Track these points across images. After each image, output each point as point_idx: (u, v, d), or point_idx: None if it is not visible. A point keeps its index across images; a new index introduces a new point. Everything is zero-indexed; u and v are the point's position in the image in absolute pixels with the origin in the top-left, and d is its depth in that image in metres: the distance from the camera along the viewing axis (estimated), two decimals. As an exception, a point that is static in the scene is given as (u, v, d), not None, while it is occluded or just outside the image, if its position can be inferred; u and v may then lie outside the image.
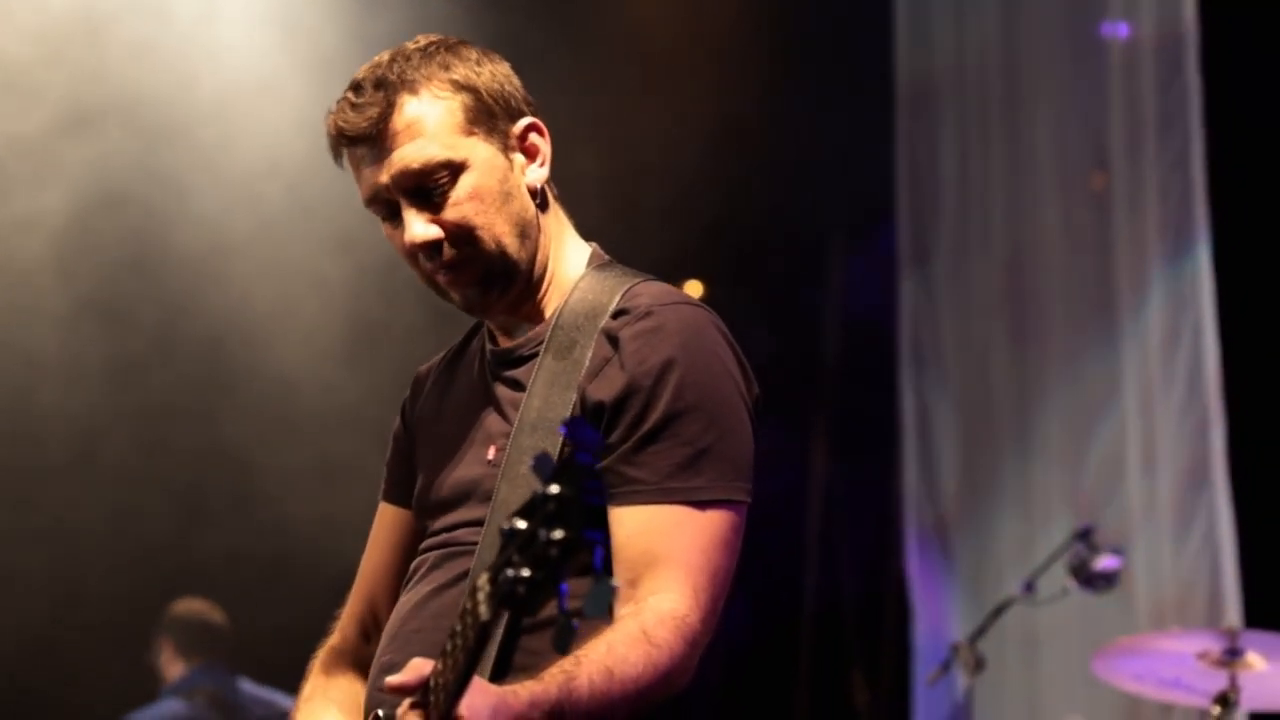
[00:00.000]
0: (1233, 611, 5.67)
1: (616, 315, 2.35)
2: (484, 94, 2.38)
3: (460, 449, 2.43)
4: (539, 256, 2.43)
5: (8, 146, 5.95)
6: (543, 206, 2.45)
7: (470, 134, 2.36)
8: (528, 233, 2.41)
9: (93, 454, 6.26)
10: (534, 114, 2.44)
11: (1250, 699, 4.45)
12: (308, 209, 6.20)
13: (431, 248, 2.36)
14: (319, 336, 6.30)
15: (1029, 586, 5.47)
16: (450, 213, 2.35)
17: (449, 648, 1.94)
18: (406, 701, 2.02)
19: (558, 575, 1.74)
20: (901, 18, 7.09)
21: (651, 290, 2.39)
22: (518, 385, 2.39)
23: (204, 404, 6.42)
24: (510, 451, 2.32)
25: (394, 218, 2.39)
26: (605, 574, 1.78)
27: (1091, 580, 5.29)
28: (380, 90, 2.34)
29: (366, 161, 2.36)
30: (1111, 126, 6.29)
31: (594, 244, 2.52)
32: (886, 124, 7.07)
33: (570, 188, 2.52)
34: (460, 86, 2.36)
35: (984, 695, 5.75)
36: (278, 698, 5.78)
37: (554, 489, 1.74)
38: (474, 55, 2.41)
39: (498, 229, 2.37)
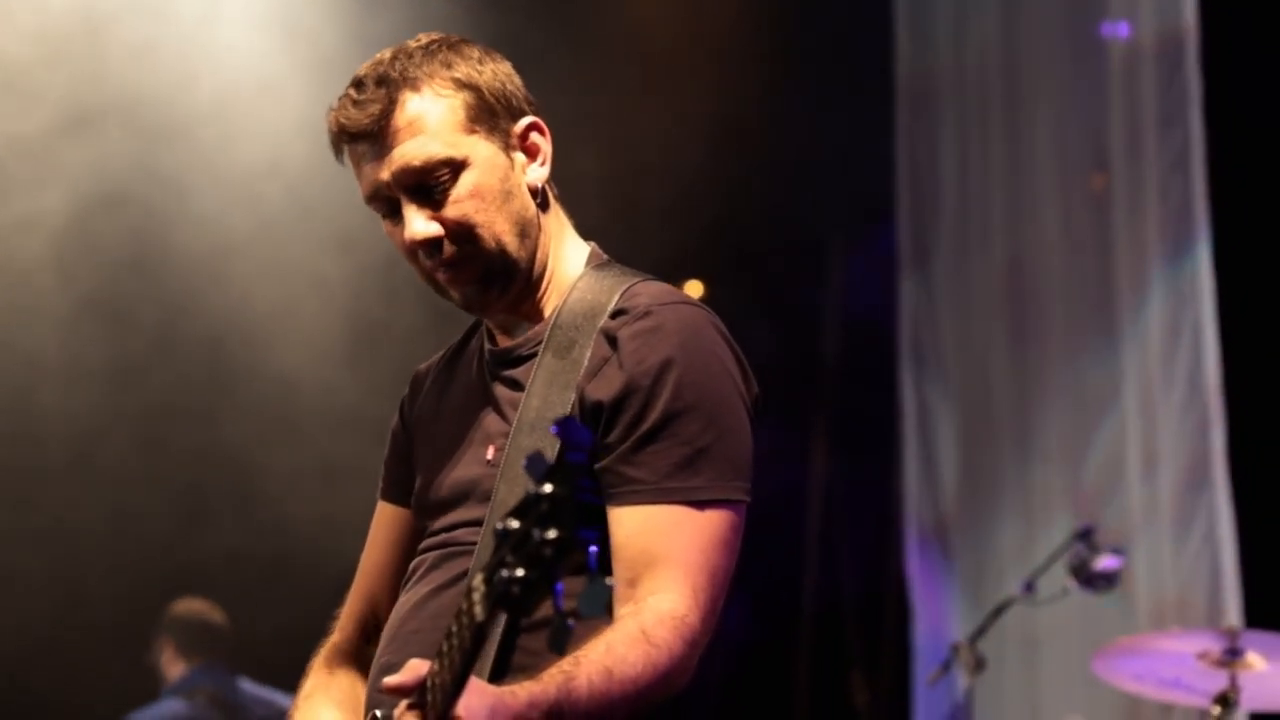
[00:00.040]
0: (1233, 611, 5.67)
1: (615, 315, 2.35)
2: (486, 92, 2.38)
3: (459, 449, 2.43)
4: (539, 255, 2.43)
5: (8, 147, 5.95)
6: (543, 206, 2.45)
7: (472, 132, 2.36)
8: (528, 231, 2.41)
9: (93, 454, 6.26)
10: (535, 113, 2.44)
11: (1250, 699, 4.44)
12: (308, 209, 6.20)
13: (431, 245, 2.36)
14: (319, 336, 6.31)
15: (1029, 586, 5.47)
16: (451, 210, 2.35)
17: (445, 648, 1.94)
18: (404, 703, 2.02)
19: (552, 575, 1.74)
20: (901, 17, 7.09)
21: (650, 290, 2.39)
22: (516, 385, 2.39)
23: (204, 404, 6.42)
24: (509, 451, 2.32)
25: (394, 215, 2.39)
26: (601, 573, 1.78)
27: (1092, 580, 5.29)
28: (382, 87, 2.34)
29: (367, 158, 2.36)
30: (1111, 126, 6.29)
31: (593, 243, 2.52)
32: (886, 124, 7.06)
33: (570, 188, 2.52)
34: (462, 84, 2.37)
35: (984, 695, 5.74)
36: (278, 697, 5.78)
37: (547, 488, 1.74)
38: (476, 54, 2.41)
39: (498, 227, 2.37)
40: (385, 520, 2.60)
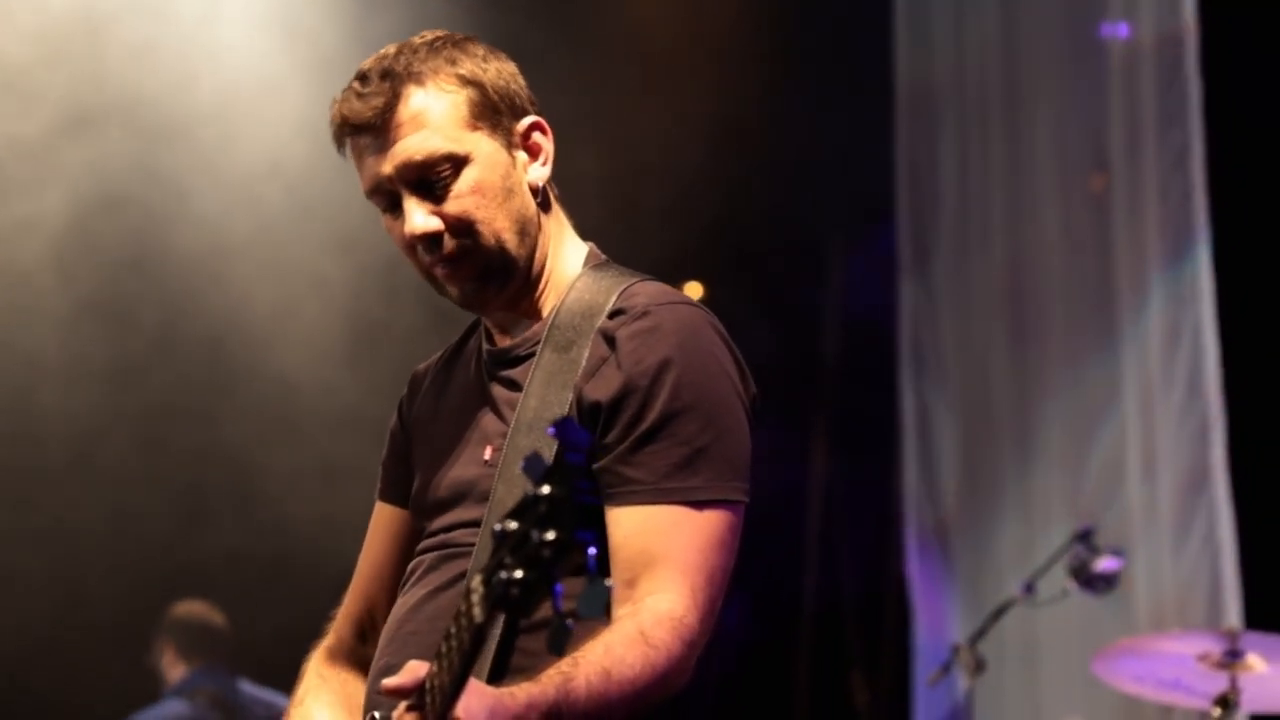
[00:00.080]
0: (1233, 613, 5.66)
1: (613, 315, 2.34)
2: (489, 90, 2.38)
3: (457, 449, 2.42)
4: (537, 254, 2.43)
5: (9, 147, 5.95)
6: (544, 206, 2.45)
7: (474, 129, 2.36)
8: (527, 230, 2.40)
9: (93, 455, 6.26)
10: (538, 114, 2.45)
11: (1250, 701, 4.44)
12: (308, 209, 6.20)
13: (431, 240, 2.36)
14: (319, 337, 6.31)
15: (1029, 588, 5.47)
16: (451, 205, 2.35)
17: (444, 649, 1.94)
18: (402, 704, 2.02)
19: (551, 576, 1.73)
20: (901, 17, 7.09)
21: (648, 290, 2.39)
22: (514, 385, 2.39)
23: (204, 404, 6.42)
24: (507, 452, 2.31)
25: (394, 209, 2.39)
26: (599, 574, 1.78)
27: (1091, 582, 5.28)
28: (386, 80, 2.35)
29: (370, 151, 2.36)
30: (1111, 127, 6.28)
31: (591, 244, 2.52)
32: (886, 124, 7.06)
33: (570, 188, 2.52)
34: (466, 81, 2.37)
35: (984, 697, 5.74)
36: (278, 699, 5.78)
37: (545, 489, 1.74)
38: (481, 51, 2.41)
39: (498, 224, 2.37)
40: (383, 521, 2.59)
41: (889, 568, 6.95)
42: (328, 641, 2.57)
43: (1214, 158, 5.92)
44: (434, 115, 2.34)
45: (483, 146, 2.37)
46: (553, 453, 1.76)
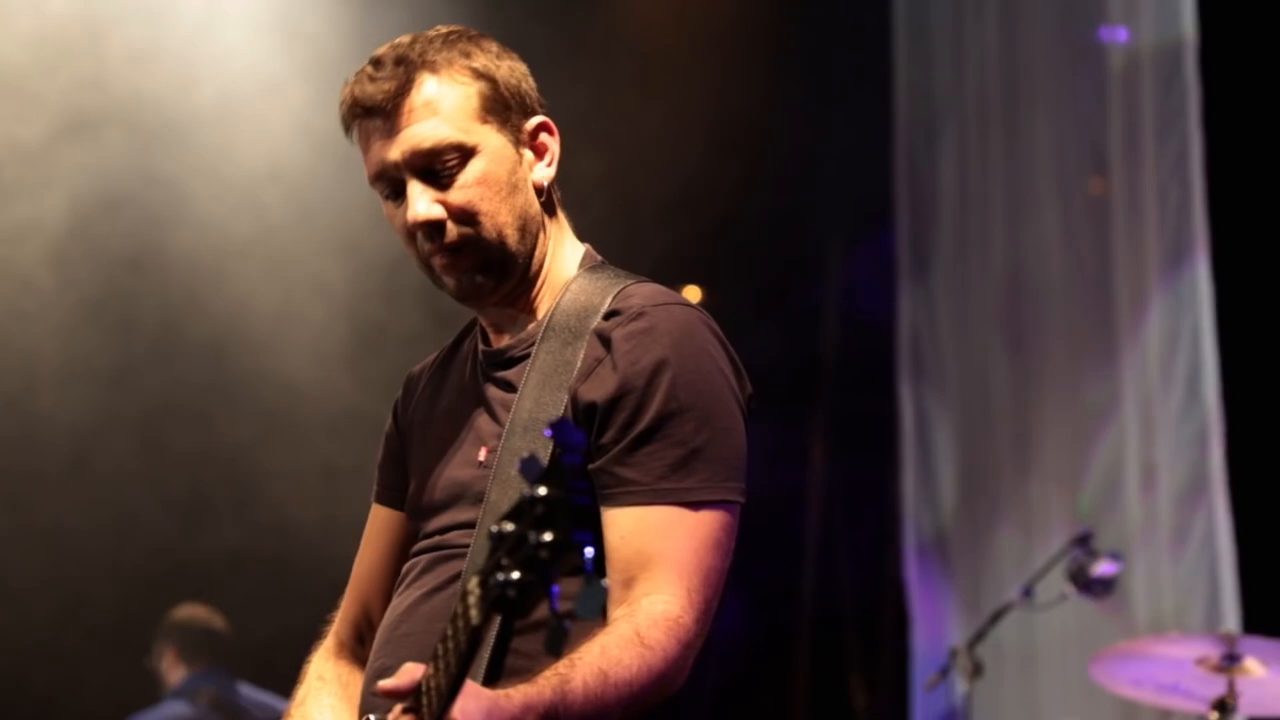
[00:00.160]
0: (1231, 617, 5.66)
1: (609, 316, 2.34)
2: (501, 85, 2.39)
3: (452, 451, 2.42)
4: (536, 253, 2.43)
5: (9, 150, 5.95)
6: (547, 206, 2.45)
7: (484, 122, 2.37)
8: (529, 227, 2.41)
9: (93, 457, 6.26)
10: (546, 115, 2.45)
11: (1248, 704, 4.44)
12: (309, 212, 6.21)
13: (432, 228, 2.36)
14: (319, 339, 6.31)
15: (1027, 592, 5.47)
16: (456, 195, 2.35)
17: (440, 651, 1.94)
18: (398, 706, 2.02)
19: (548, 577, 1.73)
20: (901, 21, 7.09)
21: (643, 291, 2.38)
22: (509, 386, 2.39)
23: (204, 407, 6.42)
24: (501, 453, 2.31)
25: (397, 196, 2.39)
26: (596, 575, 1.78)
27: (1090, 585, 5.28)
28: (401, 66, 2.35)
29: (378, 135, 2.36)
30: (1110, 131, 6.28)
31: (587, 245, 2.52)
32: (886, 126, 7.06)
33: (570, 188, 2.53)
34: (479, 74, 2.38)
35: (982, 700, 5.74)
36: (278, 701, 5.78)
37: (542, 491, 1.74)
38: (495, 48, 2.42)
39: (501, 218, 2.37)
40: (379, 523, 2.59)
41: (888, 571, 6.95)
42: (327, 644, 2.57)
43: (1213, 163, 5.92)
44: (445, 104, 2.35)
45: (491, 140, 2.37)
46: (548, 454, 1.75)
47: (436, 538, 2.39)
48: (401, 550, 2.50)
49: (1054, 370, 6.46)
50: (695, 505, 2.25)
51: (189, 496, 6.43)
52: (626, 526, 2.23)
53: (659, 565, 2.21)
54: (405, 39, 2.40)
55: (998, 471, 6.63)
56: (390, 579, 2.51)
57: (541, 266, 2.44)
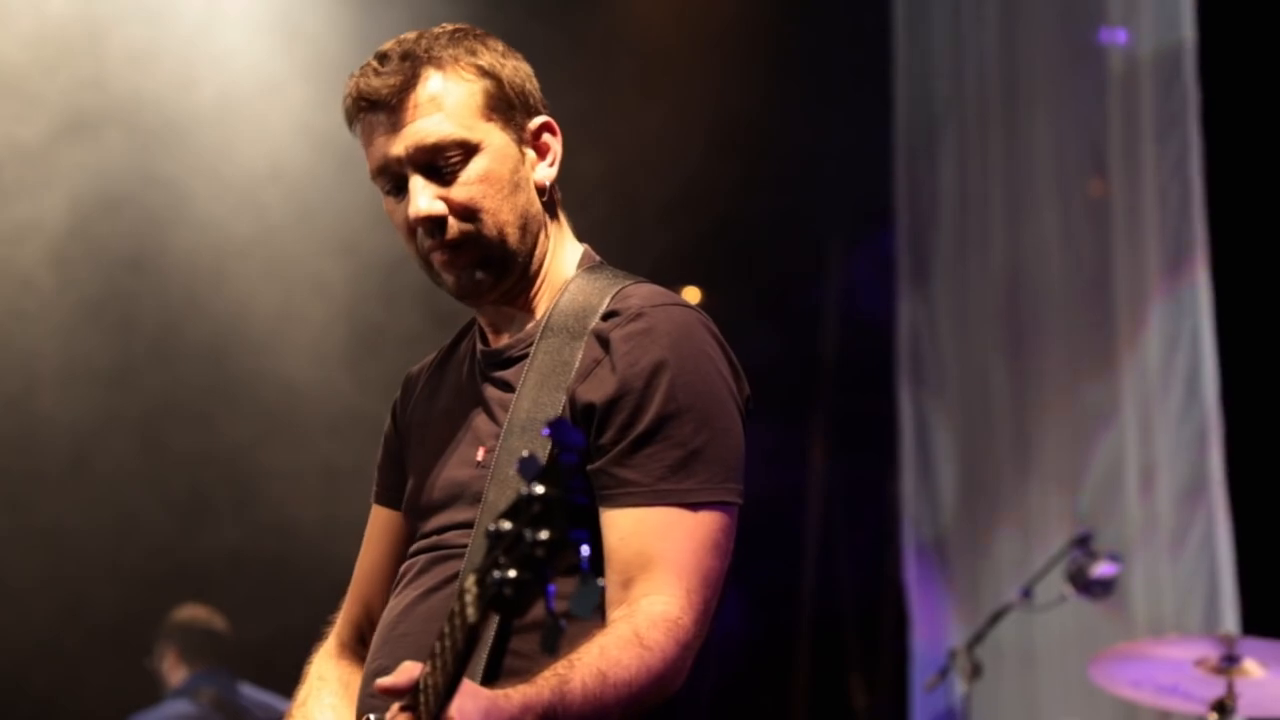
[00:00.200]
0: (1230, 618, 5.66)
1: (607, 317, 2.34)
2: (506, 84, 2.39)
3: (449, 451, 2.42)
4: (536, 253, 2.43)
5: (9, 150, 5.95)
6: (548, 206, 2.46)
7: (488, 119, 2.37)
8: (529, 227, 2.41)
9: (93, 457, 6.26)
10: (549, 116, 2.45)
11: (1248, 706, 4.43)
12: (309, 213, 6.21)
13: (433, 224, 2.36)
14: (320, 340, 6.31)
15: (1027, 593, 5.47)
16: (458, 191, 2.35)
17: (438, 649, 1.94)
18: (396, 705, 2.02)
19: (545, 576, 1.73)
20: (901, 22, 7.09)
21: (642, 292, 2.39)
22: (507, 386, 2.39)
23: (204, 407, 6.42)
24: (499, 453, 2.31)
25: (398, 192, 2.39)
26: (592, 574, 1.78)
27: (1089, 587, 5.28)
28: (407, 61, 2.36)
29: (382, 129, 2.37)
30: (1110, 133, 6.28)
31: (586, 245, 2.52)
32: (886, 125, 7.06)
33: (570, 188, 2.53)
34: (484, 72, 2.38)
35: (981, 701, 5.74)
36: (279, 701, 5.78)
37: (539, 490, 1.74)
38: (500, 48, 2.43)
39: (502, 216, 2.37)
40: (379, 524, 2.59)
41: (887, 572, 6.95)
42: (328, 644, 2.58)
43: (1212, 165, 5.92)
44: (450, 100, 2.35)
45: (494, 138, 2.38)
46: (546, 453, 1.75)
47: (434, 538, 2.39)
48: (402, 550, 2.50)
49: (1053, 371, 6.46)
50: (694, 506, 2.25)
51: (189, 496, 6.43)
52: (626, 527, 2.24)
53: (658, 566, 2.21)
54: (411, 35, 2.40)
55: (997, 472, 6.63)
56: (391, 579, 2.50)
57: (541, 266, 2.44)
